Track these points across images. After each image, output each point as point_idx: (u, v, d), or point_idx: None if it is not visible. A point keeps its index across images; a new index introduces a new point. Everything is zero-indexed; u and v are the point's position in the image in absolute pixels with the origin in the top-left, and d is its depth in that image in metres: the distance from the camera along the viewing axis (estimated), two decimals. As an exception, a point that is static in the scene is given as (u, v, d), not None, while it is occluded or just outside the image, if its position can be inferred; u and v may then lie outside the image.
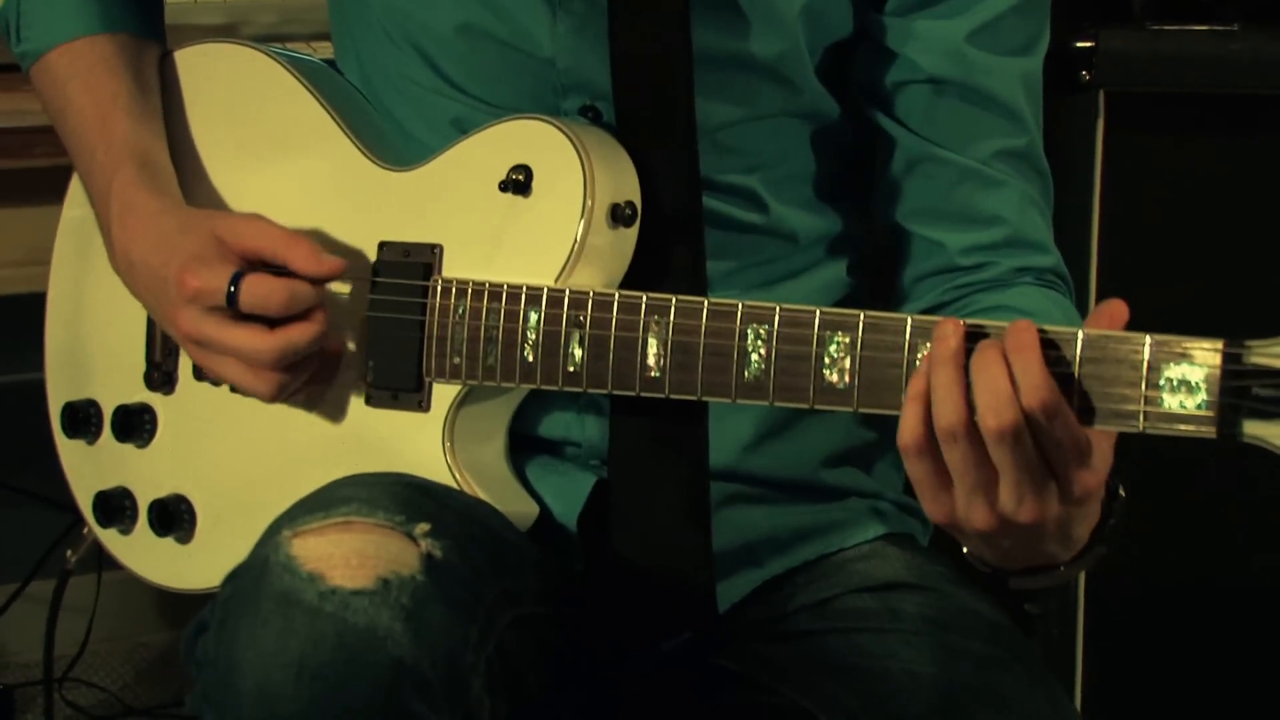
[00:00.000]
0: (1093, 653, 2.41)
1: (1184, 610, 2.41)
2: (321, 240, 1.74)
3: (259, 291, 1.66)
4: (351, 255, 1.73)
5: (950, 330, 1.42)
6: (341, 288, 1.72)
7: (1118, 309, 1.42)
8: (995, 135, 1.75)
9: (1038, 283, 1.75)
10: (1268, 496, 2.35)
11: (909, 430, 1.43)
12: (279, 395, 1.70)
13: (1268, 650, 2.42)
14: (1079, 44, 2.32)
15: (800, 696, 1.65)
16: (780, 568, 1.78)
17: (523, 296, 1.63)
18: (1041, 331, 1.40)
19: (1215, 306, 2.33)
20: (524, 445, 1.74)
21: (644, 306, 1.58)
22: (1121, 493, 1.51)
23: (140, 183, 1.76)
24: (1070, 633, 2.40)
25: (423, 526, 1.51)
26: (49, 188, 2.01)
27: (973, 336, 1.42)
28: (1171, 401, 1.36)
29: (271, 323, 1.67)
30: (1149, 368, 1.37)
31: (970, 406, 1.40)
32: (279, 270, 1.68)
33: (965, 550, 1.54)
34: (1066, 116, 2.31)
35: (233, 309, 1.66)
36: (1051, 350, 1.40)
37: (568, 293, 1.61)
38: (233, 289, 1.66)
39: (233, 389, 1.77)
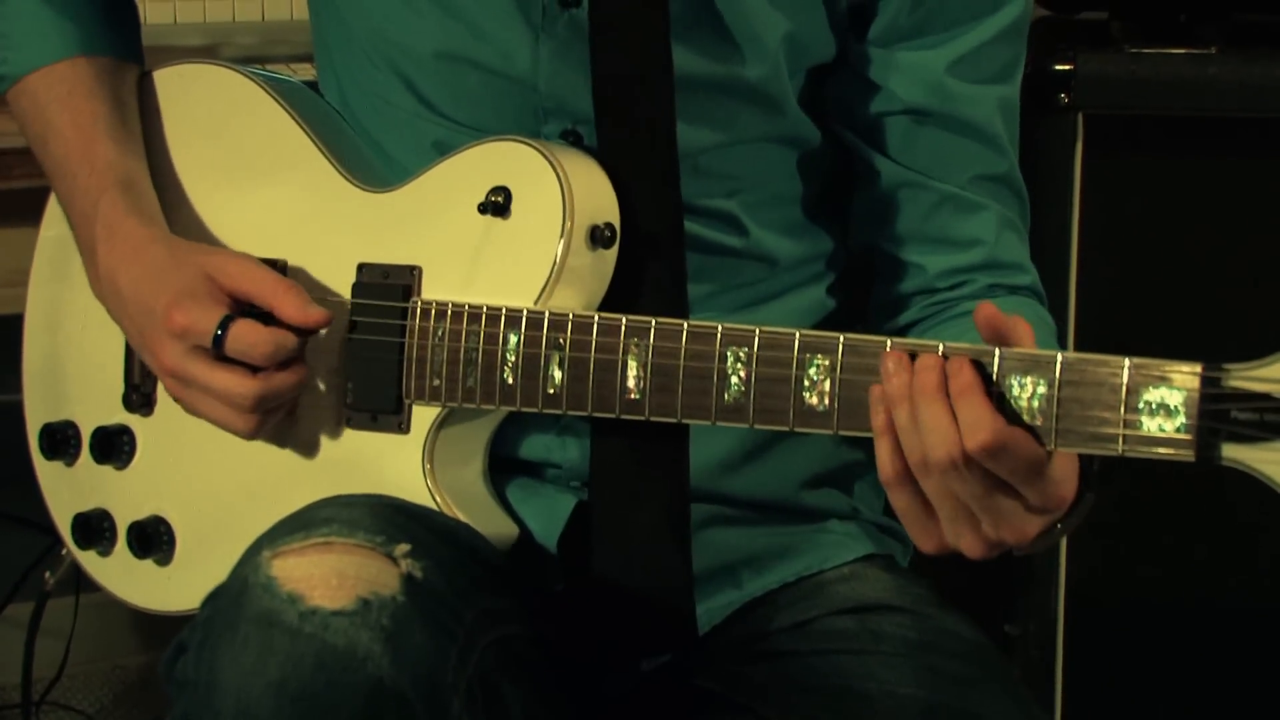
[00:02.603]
0: (1072, 674, 2.41)
1: (1163, 631, 2.41)
2: (301, 261, 1.74)
3: (246, 339, 1.65)
4: (330, 277, 1.73)
5: (892, 368, 1.44)
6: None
7: (990, 311, 1.45)
8: (974, 162, 1.76)
9: (1011, 294, 1.76)
10: (1245, 518, 2.36)
11: (884, 464, 1.45)
12: (255, 435, 1.70)
13: (1246, 670, 2.42)
14: (1058, 67, 2.32)
15: (780, 717, 1.65)
16: (760, 589, 1.78)
17: (502, 318, 1.63)
18: (1019, 353, 1.41)
19: (1193, 327, 2.33)
20: (504, 467, 1.74)
21: (624, 329, 1.58)
22: None
23: (126, 207, 1.76)
24: (1050, 654, 2.40)
25: (403, 547, 1.51)
26: (27, 209, 2.01)
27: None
28: (1150, 425, 1.36)
29: (254, 367, 1.67)
30: (1128, 391, 1.37)
31: None
32: (266, 313, 1.68)
33: None
34: (1045, 139, 2.31)
35: (216, 350, 1.66)
36: (1031, 373, 1.40)
37: (547, 314, 1.61)
38: (220, 332, 1.65)
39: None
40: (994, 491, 1.42)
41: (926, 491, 1.44)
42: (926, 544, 1.48)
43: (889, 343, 1.47)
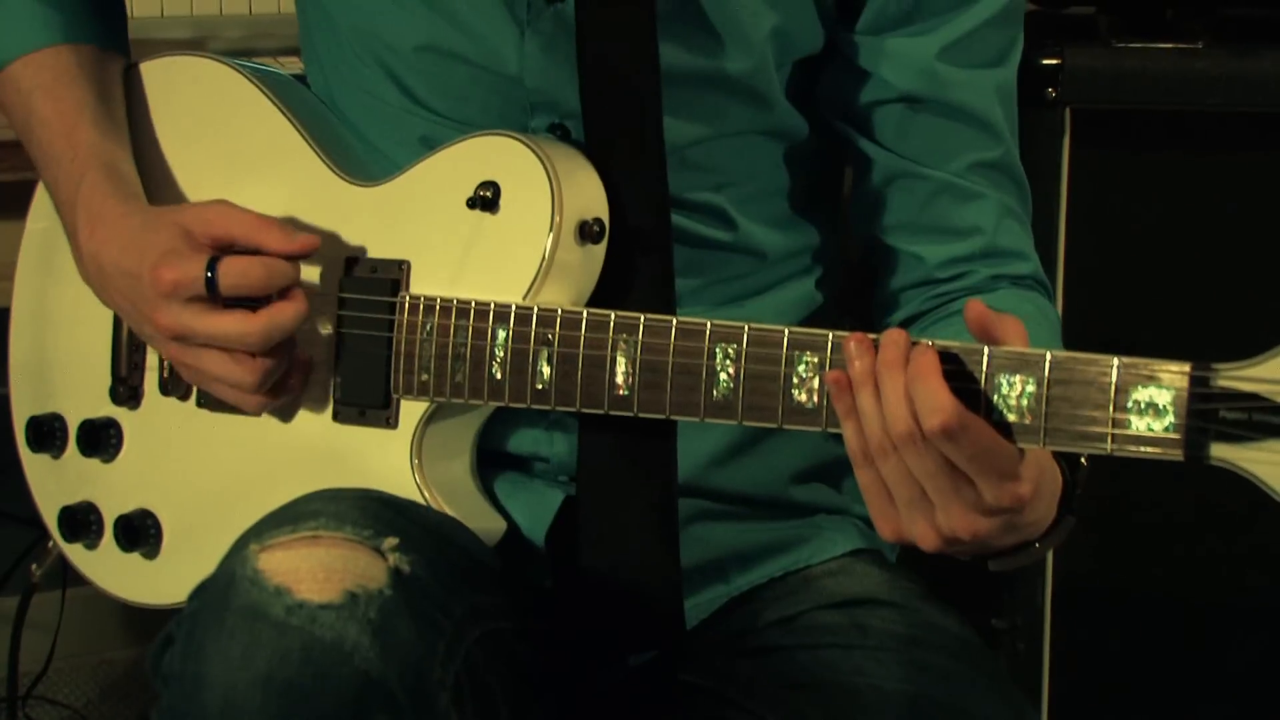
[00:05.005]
0: (1059, 668, 2.41)
1: (1149, 625, 2.42)
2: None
3: (237, 269, 1.64)
4: (318, 271, 1.72)
5: (855, 351, 1.44)
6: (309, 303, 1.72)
7: (978, 310, 1.45)
8: (970, 148, 1.76)
9: (1014, 286, 1.76)
10: (1233, 514, 2.36)
11: (850, 443, 1.45)
12: (263, 384, 1.68)
13: (1232, 663, 2.42)
14: (1045, 61, 2.32)
15: (767, 712, 1.66)
16: (748, 584, 1.79)
17: (491, 314, 1.63)
18: (1008, 352, 1.41)
19: (1180, 322, 2.33)
20: (492, 461, 1.74)
21: (612, 325, 1.58)
22: (1084, 461, 1.52)
23: (107, 189, 1.75)
24: (1037, 648, 2.40)
25: (391, 541, 1.51)
26: (13, 202, 2.01)
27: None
28: (1139, 424, 1.36)
29: (253, 309, 1.66)
30: (1117, 390, 1.37)
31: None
32: (252, 254, 1.67)
33: None
34: (1032, 133, 2.30)
35: (212, 296, 1.65)
36: (1020, 371, 1.41)
37: (536, 310, 1.61)
38: (210, 274, 1.64)
39: (201, 403, 1.78)
40: (950, 477, 1.42)
41: (884, 475, 1.44)
42: (884, 528, 1.48)
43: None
